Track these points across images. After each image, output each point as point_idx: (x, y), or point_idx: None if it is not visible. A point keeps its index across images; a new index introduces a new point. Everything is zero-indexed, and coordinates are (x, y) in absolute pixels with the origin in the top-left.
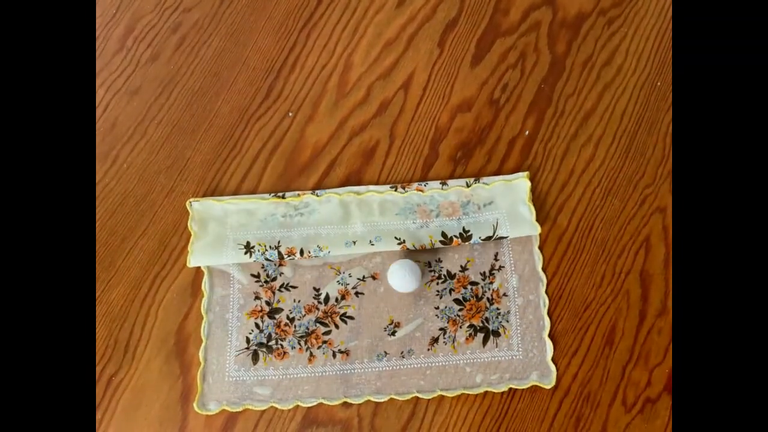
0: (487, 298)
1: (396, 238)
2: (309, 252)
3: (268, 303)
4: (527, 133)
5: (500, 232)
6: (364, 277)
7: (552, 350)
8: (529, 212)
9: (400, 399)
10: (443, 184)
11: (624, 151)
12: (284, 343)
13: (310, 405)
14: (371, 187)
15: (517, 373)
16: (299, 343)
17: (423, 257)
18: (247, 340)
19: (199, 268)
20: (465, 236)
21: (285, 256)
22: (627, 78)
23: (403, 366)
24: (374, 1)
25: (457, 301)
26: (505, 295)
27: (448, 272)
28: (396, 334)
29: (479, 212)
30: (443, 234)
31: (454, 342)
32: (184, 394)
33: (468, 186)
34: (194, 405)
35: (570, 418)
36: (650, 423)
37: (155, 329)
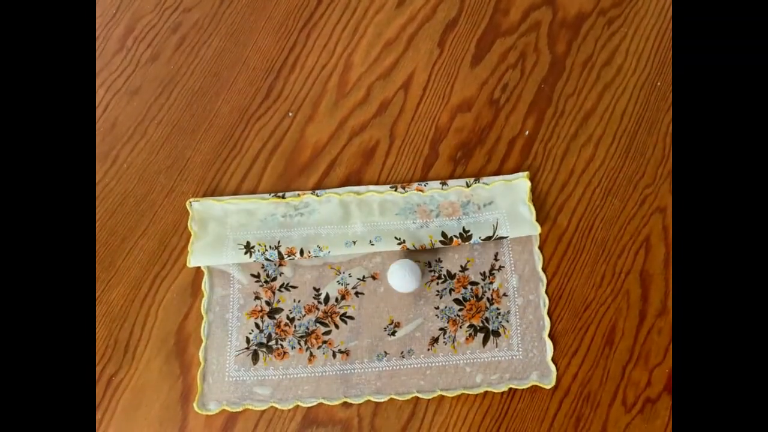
0: (487, 298)
1: (396, 238)
2: (309, 252)
3: (268, 303)
4: (527, 133)
5: (500, 232)
6: (364, 277)
7: (552, 350)
8: (529, 212)
9: (400, 399)
10: (443, 184)
11: (624, 151)
12: (284, 343)
13: (310, 405)
14: (371, 187)
15: (517, 373)
16: (299, 343)
17: (423, 257)
18: (247, 340)
19: (199, 268)
20: (465, 236)
21: (285, 256)
22: (627, 78)
23: (403, 366)
24: (374, 1)
25: (457, 301)
26: (505, 295)
27: (448, 272)
28: (396, 334)
29: (479, 212)
30: (443, 234)
31: (454, 342)
32: (184, 394)
33: (468, 186)
34: (194, 405)
35: (570, 418)
36: (650, 423)
37: (155, 329)
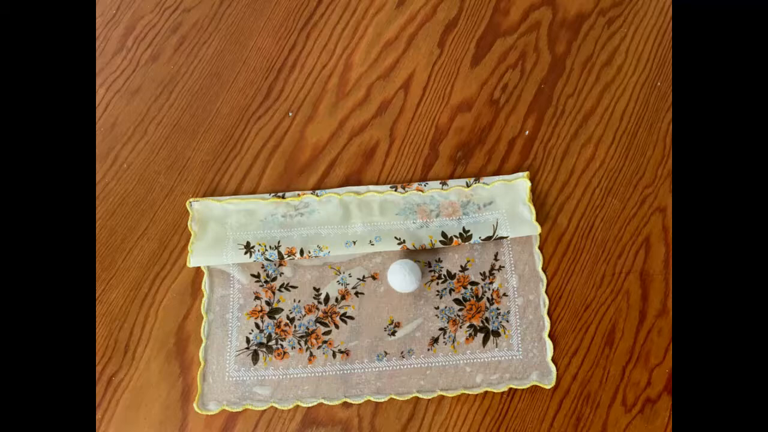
0: (487, 298)
1: (396, 238)
2: (309, 252)
3: (268, 303)
4: (527, 133)
5: (500, 232)
6: (364, 277)
7: (552, 350)
8: (529, 212)
9: (400, 399)
10: (443, 184)
11: (624, 151)
12: (284, 343)
13: (310, 405)
14: (371, 187)
15: (517, 373)
16: (299, 343)
17: (423, 257)
18: (247, 340)
19: (199, 268)
20: (465, 236)
21: (285, 256)
22: (627, 78)
23: (403, 366)
24: (374, 1)
25: (457, 301)
26: (505, 295)
27: (448, 272)
28: (396, 334)
29: (479, 212)
30: (443, 234)
31: (454, 342)
32: (184, 394)
33: (468, 186)
34: (194, 405)
35: (570, 418)
36: (650, 423)
37: (155, 329)
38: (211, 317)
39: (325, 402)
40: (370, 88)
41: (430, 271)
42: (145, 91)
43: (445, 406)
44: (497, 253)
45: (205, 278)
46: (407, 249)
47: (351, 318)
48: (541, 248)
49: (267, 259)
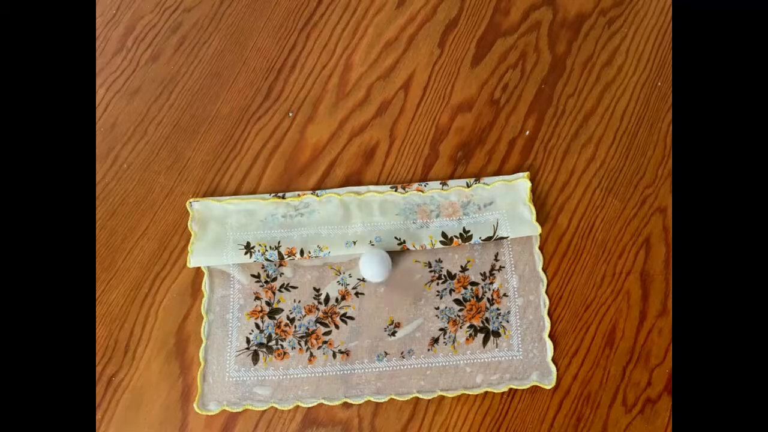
0: (488, 299)
1: (396, 238)
2: (309, 252)
3: (268, 303)
4: (527, 133)
5: (500, 233)
6: (364, 277)
7: (552, 350)
8: (529, 212)
9: (401, 399)
10: (443, 184)
11: (624, 151)
12: (284, 344)
13: (310, 405)
14: (371, 188)
15: (517, 374)
16: (299, 344)
17: (423, 257)
18: (248, 341)
19: (199, 268)
20: (465, 236)
21: (285, 257)
22: (627, 78)
23: (404, 366)
24: (374, 1)
25: (457, 301)
26: (505, 295)
27: (449, 272)
28: (396, 334)
29: (479, 212)
30: (443, 234)
31: (454, 342)
32: (184, 395)
33: (468, 186)
34: (194, 405)
35: (570, 418)
36: (650, 423)
37: (155, 329)
38: (211, 317)
39: (326, 402)
40: (370, 88)
41: (430, 271)
42: (145, 91)
43: (445, 407)
44: (497, 253)
45: (205, 278)
46: (408, 249)
47: (351, 318)
48: (541, 248)
49: (267, 260)
